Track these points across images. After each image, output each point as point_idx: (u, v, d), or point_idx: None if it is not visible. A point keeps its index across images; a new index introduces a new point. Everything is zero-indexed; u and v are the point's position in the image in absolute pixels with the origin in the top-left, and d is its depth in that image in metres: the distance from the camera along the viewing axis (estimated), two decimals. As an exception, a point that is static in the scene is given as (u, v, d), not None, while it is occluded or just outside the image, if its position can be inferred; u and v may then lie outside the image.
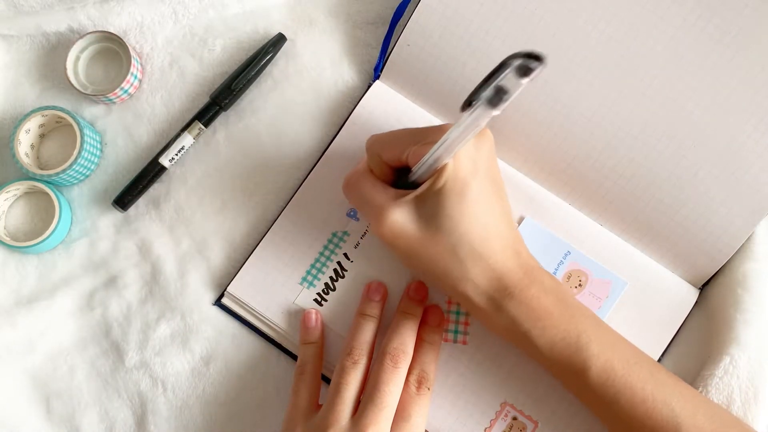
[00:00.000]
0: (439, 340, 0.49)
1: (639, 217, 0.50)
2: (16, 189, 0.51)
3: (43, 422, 0.51)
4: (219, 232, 0.52)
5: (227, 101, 0.51)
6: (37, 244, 0.50)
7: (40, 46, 0.53)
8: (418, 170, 0.42)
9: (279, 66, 0.53)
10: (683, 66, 0.48)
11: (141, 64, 0.53)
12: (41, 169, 0.50)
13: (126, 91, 0.52)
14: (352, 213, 0.51)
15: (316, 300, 0.50)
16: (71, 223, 0.52)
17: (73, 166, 0.50)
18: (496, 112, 0.34)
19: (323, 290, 0.50)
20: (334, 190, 0.50)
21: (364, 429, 0.43)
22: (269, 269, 0.50)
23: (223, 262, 0.52)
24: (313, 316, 0.49)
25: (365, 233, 0.50)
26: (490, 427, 0.49)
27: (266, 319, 0.50)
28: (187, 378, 0.51)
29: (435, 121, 0.51)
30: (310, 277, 0.50)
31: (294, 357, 0.51)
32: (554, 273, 0.50)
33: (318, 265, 0.50)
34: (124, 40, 0.51)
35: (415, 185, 0.43)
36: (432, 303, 0.50)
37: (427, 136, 0.42)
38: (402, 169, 0.45)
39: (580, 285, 0.50)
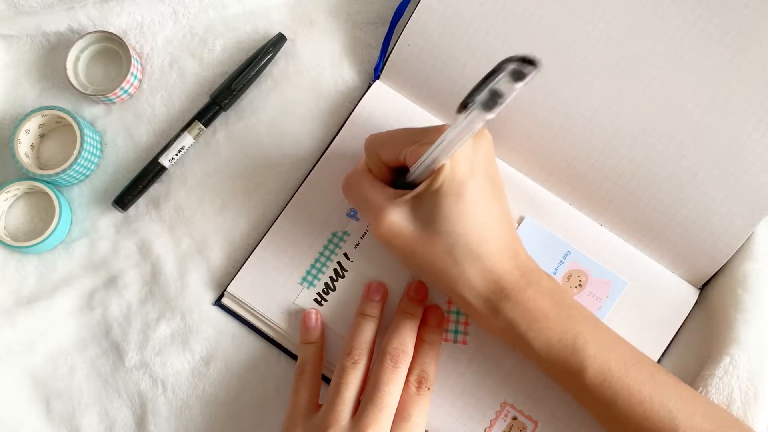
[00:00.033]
0: (439, 340, 0.49)
1: (639, 217, 0.50)
2: (16, 189, 0.51)
3: (43, 422, 0.51)
4: (219, 232, 0.52)
5: (227, 101, 0.51)
6: (37, 244, 0.50)
7: (40, 46, 0.53)
8: (415, 170, 0.42)
9: (279, 66, 0.53)
10: (683, 66, 0.48)
11: (141, 64, 0.53)
12: (41, 169, 0.50)
13: (126, 91, 0.52)
14: (352, 213, 0.51)
15: (316, 300, 0.50)
16: (71, 223, 0.52)
17: (73, 166, 0.50)
18: (490, 116, 0.34)
19: (323, 290, 0.50)
20: (334, 190, 0.50)
21: (364, 429, 0.43)
22: (269, 269, 0.50)
23: (223, 262, 0.52)
24: (313, 316, 0.49)
25: (365, 233, 0.50)
26: (490, 427, 0.49)
27: (266, 319, 0.50)
28: (187, 378, 0.51)
29: (435, 121, 0.51)
30: (310, 277, 0.50)
31: (294, 357, 0.51)
32: (554, 273, 0.50)
33: (318, 265, 0.50)
34: (124, 40, 0.51)
35: (413, 185, 0.43)
36: (432, 303, 0.50)
37: (425, 136, 0.42)
38: (401, 169, 0.45)
39: (580, 285, 0.50)
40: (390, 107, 0.51)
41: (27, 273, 0.52)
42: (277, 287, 0.50)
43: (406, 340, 0.46)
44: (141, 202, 0.52)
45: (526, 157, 0.51)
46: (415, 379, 0.46)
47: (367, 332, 0.47)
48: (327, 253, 0.51)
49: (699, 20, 0.48)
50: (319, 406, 0.46)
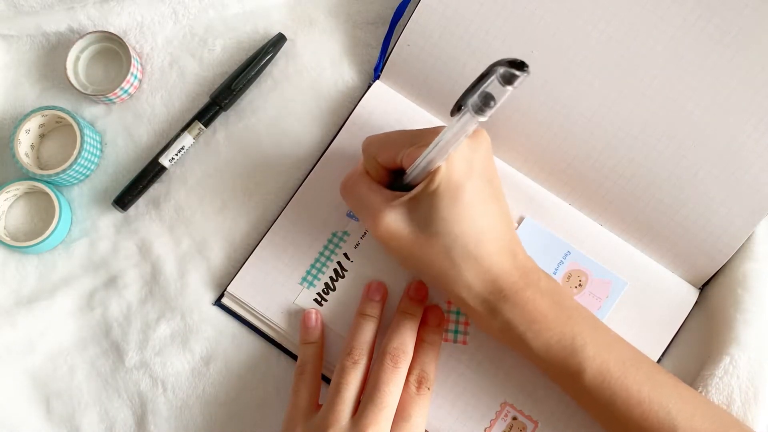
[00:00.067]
0: (439, 340, 0.49)
1: (639, 217, 0.50)
2: (16, 189, 0.51)
3: (43, 422, 0.51)
4: (219, 232, 0.52)
5: (227, 101, 0.51)
6: (37, 244, 0.50)
7: (40, 46, 0.53)
8: (412, 172, 0.42)
9: (279, 66, 0.53)
10: (683, 66, 0.48)
11: (141, 64, 0.53)
12: (41, 169, 0.50)
13: (126, 91, 0.52)
14: (351, 213, 0.51)
15: (316, 300, 0.50)
16: (71, 223, 0.52)
17: (73, 166, 0.50)
18: (482, 119, 0.34)
19: (323, 290, 0.50)
20: (334, 190, 0.50)
21: (364, 429, 0.43)
22: (269, 269, 0.50)
23: (223, 262, 0.52)
24: (313, 316, 0.49)
25: (365, 233, 0.50)
26: (490, 427, 0.49)
27: (266, 319, 0.50)
28: (187, 378, 0.51)
29: (435, 121, 0.51)
30: (310, 277, 0.50)
31: (294, 357, 0.51)
32: (554, 273, 0.50)
33: (318, 265, 0.50)
34: (124, 40, 0.51)
35: (410, 187, 0.43)
36: (432, 303, 0.50)
37: (422, 138, 0.42)
38: (398, 171, 0.45)
39: (580, 285, 0.50)
40: (390, 107, 0.51)
41: (27, 273, 0.52)
42: (277, 287, 0.50)
43: (406, 340, 0.46)
44: (141, 202, 0.52)
45: (526, 157, 0.51)
46: (415, 379, 0.46)
47: (367, 332, 0.47)
48: (327, 253, 0.51)
49: (699, 20, 0.47)
50: (319, 406, 0.46)
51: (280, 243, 0.51)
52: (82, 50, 0.52)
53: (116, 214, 0.52)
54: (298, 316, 0.50)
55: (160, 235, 0.52)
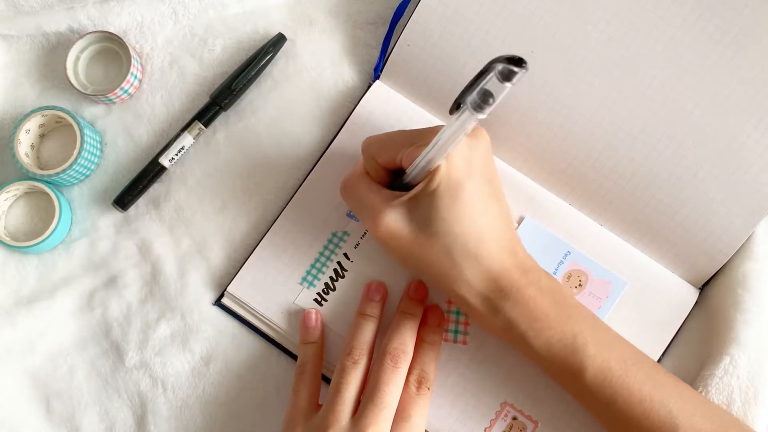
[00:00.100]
0: (439, 340, 0.49)
1: (639, 217, 0.50)
2: (16, 189, 0.51)
3: (43, 422, 0.51)
4: (219, 232, 0.52)
5: (227, 101, 0.51)
6: (37, 244, 0.50)
7: (40, 46, 0.54)
8: (411, 172, 0.42)
9: (279, 66, 0.53)
10: (683, 66, 0.48)
11: (141, 64, 0.53)
12: (41, 169, 0.50)
13: (126, 91, 0.52)
14: (351, 213, 0.51)
15: (316, 300, 0.50)
16: (71, 223, 0.52)
17: (73, 166, 0.50)
18: (481, 116, 0.34)
19: (323, 290, 0.50)
20: (335, 191, 0.50)
21: (364, 429, 0.43)
22: (269, 269, 0.50)
23: (223, 262, 0.52)
24: (313, 316, 0.49)
25: (365, 233, 0.50)
26: (490, 427, 0.49)
27: (266, 319, 0.50)
28: (187, 378, 0.51)
29: (435, 121, 0.51)
30: (310, 277, 0.50)
31: (294, 357, 0.51)
32: (554, 273, 0.50)
33: (318, 265, 0.50)
34: (124, 40, 0.51)
35: (410, 187, 0.43)
36: (432, 303, 0.50)
37: (421, 137, 0.42)
38: (398, 171, 0.45)
39: (580, 285, 0.50)
40: (390, 107, 0.51)
41: (27, 273, 0.52)
42: (277, 287, 0.50)
43: (406, 340, 0.46)
44: (141, 202, 0.52)
45: (526, 157, 0.51)
46: (415, 379, 0.46)
47: (367, 332, 0.47)
48: (327, 253, 0.51)
49: (699, 20, 0.48)
50: (319, 406, 0.46)
51: (280, 243, 0.51)
52: (82, 50, 0.52)
53: (116, 214, 0.53)
54: (298, 316, 0.50)
55: (160, 235, 0.52)
